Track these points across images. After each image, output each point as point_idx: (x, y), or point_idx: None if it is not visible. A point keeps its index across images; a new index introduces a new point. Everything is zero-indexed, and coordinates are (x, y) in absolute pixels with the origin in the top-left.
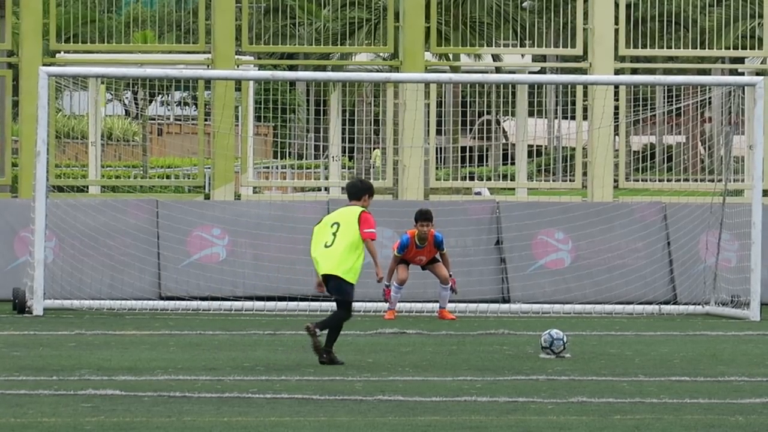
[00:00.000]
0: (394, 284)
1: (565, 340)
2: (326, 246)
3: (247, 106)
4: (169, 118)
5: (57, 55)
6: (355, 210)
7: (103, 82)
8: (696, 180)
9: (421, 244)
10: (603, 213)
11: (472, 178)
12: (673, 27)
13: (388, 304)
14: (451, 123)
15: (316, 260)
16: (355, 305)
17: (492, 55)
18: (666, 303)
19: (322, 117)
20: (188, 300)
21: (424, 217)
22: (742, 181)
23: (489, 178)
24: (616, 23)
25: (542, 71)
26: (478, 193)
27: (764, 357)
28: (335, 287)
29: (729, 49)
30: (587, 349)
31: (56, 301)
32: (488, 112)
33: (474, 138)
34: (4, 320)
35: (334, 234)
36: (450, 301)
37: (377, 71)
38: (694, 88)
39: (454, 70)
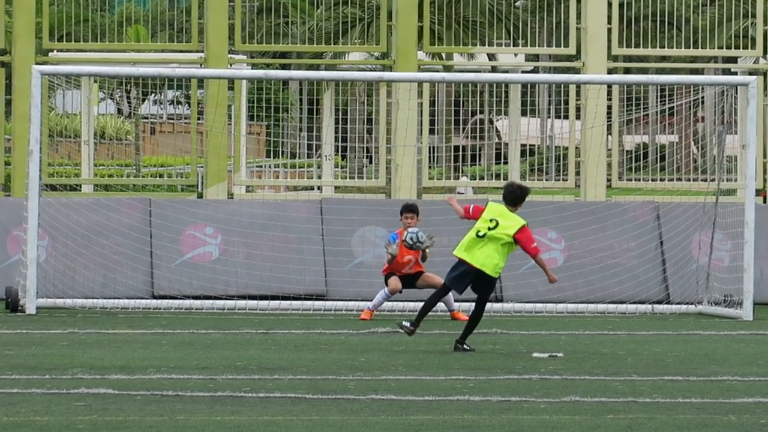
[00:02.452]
0: (385, 290)
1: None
2: (478, 236)
3: (240, 105)
4: (161, 117)
5: (50, 53)
6: (517, 221)
7: (96, 81)
8: (689, 179)
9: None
10: (596, 212)
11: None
12: (666, 26)
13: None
14: (444, 122)
15: (464, 245)
16: (351, 305)
17: (486, 55)
18: (659, 302)
19: (315, 116)
20: (181, 299)
21: (408, 209)
22: (735, 180)
23: (482, 177)
24: (609, 22)
25: (535, 70)
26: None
27: (757, 356)
28: (482, 283)
29: (722, 48)
30: (580, 349)
31: (49, 299)
32: (481, 112)
33: (467, 137)
34: None
35: (490, 229)
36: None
37: (370, 70)
38: (687, 88)
39: (447, 69)
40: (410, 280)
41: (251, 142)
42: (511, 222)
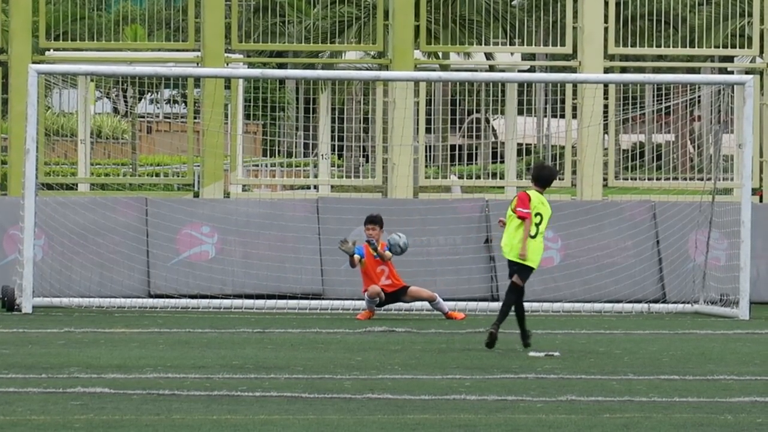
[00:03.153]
0: (367, 297)
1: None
2: (532, 237)
3: (237, 104)
4: (158, 116)
5: (46, 52)
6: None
7: (92, 80)
8: (685, 179)
9: (377, 253)
10: (592, 211)
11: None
12: (663, 25)
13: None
14: (440, 121)
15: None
16: (346, 304)
17: (483, 54)
18: (655, 301)
19: (311, 115)
20: (177, 298)
21: (369, 220)
22: (732, 179)
23: (478, 176)
24: (606, 22)
25: (532, 69)
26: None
27: (753, 356)
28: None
29: (718, 47)
30: (576, 348)
31: (45, 298)
32: (478, 111)
33: (463, 136)
34: None
35: (537, 225)
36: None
37: (367, 69)
38: (684, 87)
39: (444, 68)
40: (394, 296)
41: (248, 141)
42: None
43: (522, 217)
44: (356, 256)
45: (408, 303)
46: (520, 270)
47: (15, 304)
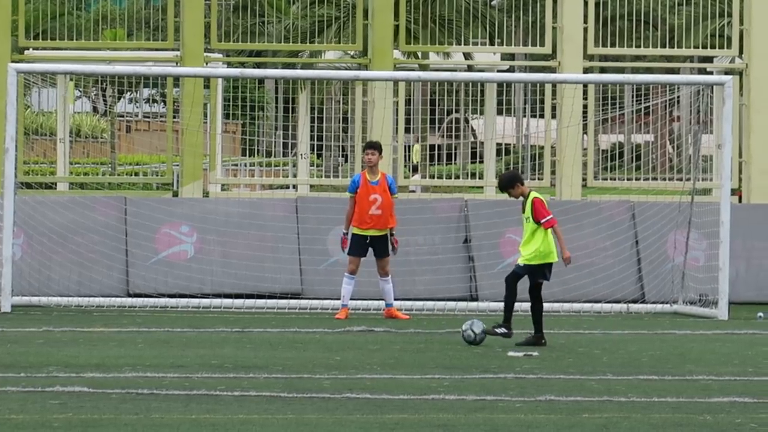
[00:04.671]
0: (345, 275)
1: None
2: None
3: (216, 103)
4: (137, 116)
5: (26, 51)
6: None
7: (71, 79)
8: (664, 179)
9: (373, 180)
10: (571, 212)
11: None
12: (642, 26)
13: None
14: (419, 121)
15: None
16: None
17: (462, 54)
18: (634, 302)
19: (290, 115)
20: (156, 297)
21: (369, 145)
22: (711, 180)
23: (457, 176)
24: (585, 22)
25: (511, 69)
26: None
27: (732, 356)
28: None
29: (698, 48)
30: (555, 348)
31: (24, 297)
32: (457, 111)
33: (442, 136)
34: None
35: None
36: (416, 299)
37: (346, 69)
38: (663, 87)
39: (423, 68)
40: (377, 244)
41: (227, 141)
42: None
43: (552, 224)
44: (344, 238)
45: (378, 270)
46: (544, 270)
47: None
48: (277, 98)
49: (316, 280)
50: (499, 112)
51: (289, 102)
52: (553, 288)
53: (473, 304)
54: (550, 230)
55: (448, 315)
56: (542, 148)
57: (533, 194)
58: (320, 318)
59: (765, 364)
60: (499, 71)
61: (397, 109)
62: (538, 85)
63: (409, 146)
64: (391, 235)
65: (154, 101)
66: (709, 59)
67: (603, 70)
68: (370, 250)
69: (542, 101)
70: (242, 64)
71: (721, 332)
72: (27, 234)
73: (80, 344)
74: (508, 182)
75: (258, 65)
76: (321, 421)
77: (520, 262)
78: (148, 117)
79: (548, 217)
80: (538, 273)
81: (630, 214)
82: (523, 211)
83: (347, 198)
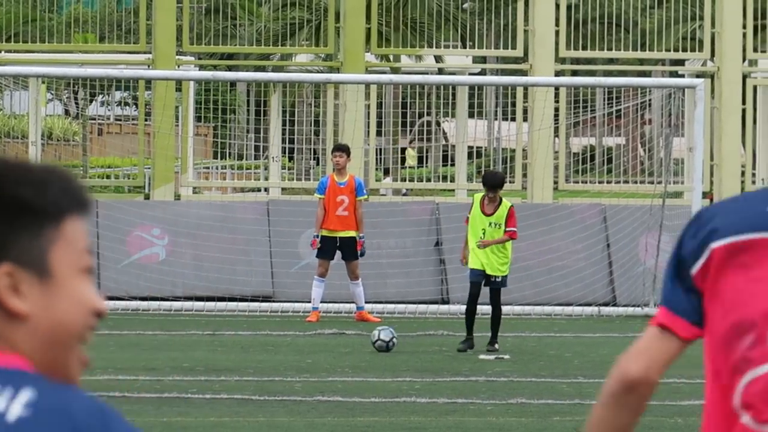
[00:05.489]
0: (315, 277)
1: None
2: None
3: (188, 106)
4: (109, 118)
5: None
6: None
7: (43, 82)
8: (636, 182)
9: (340, 181)
10: (543, 214)
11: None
12: (614, 29)
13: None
14: (391, 124)
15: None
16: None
17: (434, 57)
18: (605, 305)
19: (262, 117)
20: (128, 300)
21: (337, 147)
22: (682, 183)
23: (429, 179)
24: (557, 25)
25: (483, 72)
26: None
27: (702, 359)
28: None
29: (669, 51)
30: (526, 351)
31: None
32: (428, 113)
33: (414, 139)
34: None
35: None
36: (388, 302)
37: (318, 72)
38: (635, 90)
39: (395, 71)
40: (345, 247)
41: (198, 144)
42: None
43: (516, 237)
44: (314, 240)
45: (348, 273)
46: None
47: None
48: (248, 101)
49: (287, 283)
50: (471, 115)
51: (260, 105)
52: (525, 291)
53: (444, 307)
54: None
55: (420, 318)
56: (514, 151)
57: (508, 202)
58: (292, 321)
59: None
60: (470, 74)
61: (368, 112)
62: (509, 88)
63: (381, 149)
64: (360, 238)
65: (126, 104)
66: (680, 62)
67: (575, 73)
68: (339, 253)
69: (514, 104)
70: (214, 67)
71: None
72: None
73: None
74: (502, 182)
75: (230, 68)
76: (292, 424)
77: (499, 274)
78: (120, 120)
79: (516, 228)
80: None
81: (601, 217)
82: (492, 215)
83: (317, 201)
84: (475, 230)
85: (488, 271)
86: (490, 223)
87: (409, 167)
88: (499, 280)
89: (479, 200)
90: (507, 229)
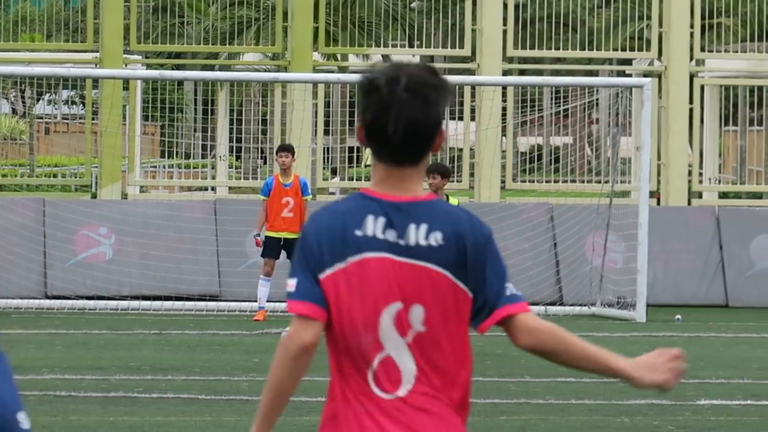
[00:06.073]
0: (261, 276)
1: None
2: None
3: (135, 105)
4: (56, 117)
5: None
6: None
7: None
8: (583, 181)
9: (285, 182)
10: (490, 214)
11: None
12: (562, 28)
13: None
14: (338, 123)
15: None
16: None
17: (381, 56)
18: (552, 304)
19: (209, 116)
20: (74, 299)
21: (282, 148)
22: (629, 182)
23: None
24: (505, 24)
25: None
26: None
27: None
28: None
29: (617, 50)
30: (473, 350)
31: None
32: None
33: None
34: None
35: None
36: None
37: (265, 71)
38: (582, 90)
39: (342, 70)
40: (292, 246)
41: (146, 143)
42: None
43: None
44: (257, 239)
45: None
46: None
47: None
48: (196, 100)
49: (234, 282)
50: None
51: (208, 104)
52: None
53: None
54: None
55: None
56: (461, 150)
57: (455, 200)
58: (239, 320)
59: None
60: None
61: (316, 111)
62: (457, 87)
63: (328, 148)
64: None
65: (73, 103)
66: (628, 62)
67: (522, 73)
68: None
69: (461, 103)
70: (161, 66)
71: (638, 334)
72: None
73: None
74: (449, 170)
75: (177, 67)
76: (239, 424)
77: None
78: (67, 119)
79: None
80: None
81: (549, 216)
82: None
83: (261, 201)
84: None
85: None
86: None
87: (366, 166)
88: None
89: None
90: None
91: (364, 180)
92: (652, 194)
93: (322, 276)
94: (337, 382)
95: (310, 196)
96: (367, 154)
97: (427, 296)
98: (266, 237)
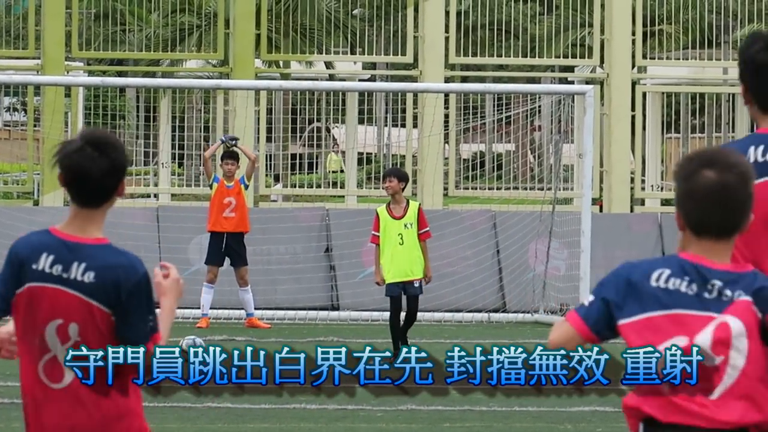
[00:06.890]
0: (204, 283)
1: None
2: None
3: (77, 111)
4: None
5: None
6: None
7: None
8: (525, 188)
9: (229, 184)
10: (433, 221)
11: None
12: (504, 35)
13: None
14: (281, 130)
15: None
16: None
17: (324, 63)
18: (495, 311)
19: (151, 123)
20: None
21: (227, 155)
22: (572, 189)
23: (319, 185)
24: (447, 31)
25: (372, 78)
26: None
27: None
28: None
29: (559, 57)
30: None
31: None
32: (318, 119)
33: (304, 145)
34: None
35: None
36: (278, 309)
37: (207, 78)
38: (524, 97)
39: (285, 77)
40: (235, 251)
41: None
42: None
43: (430, 236)
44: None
45: (240, 288)
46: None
47: None
48: (138, 107)
49: None
50: (361, 122)
51: (150, 111)
52: None
53: (334, 314)
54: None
55: (310, 324)
56: (404, 157)
57: (415, 201)
58: (182, 327)
59: None
60: (360, 80)
61: (258, 118)
62: (399, 94)
63: (271, 155)
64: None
65: (15, 110)
66: (570, 69)
67: (464, 80)
68: (228, 260)
69: (404, 110)
70: (103, 73)
71: None
72: None
73: None
74: (406, 174)
75: (119, 74)
76: (183, 430)
77: (416, 279)
78: (9, 126)
79: (429, 228)
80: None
81: (491, 223)
82: (403, 217)
83: (207, 207)
84: (390, 239)
85: (410, 277)
86: (405, 225)
87: (332, 172)
88: (417, 285)
89: (384, 210)
90: (420, 231)
91: (306, 187)
92: (594, 201)
93: None
94: None
95: (246, 185)
96: (330, 160)
97: None
98: (210, 241)
